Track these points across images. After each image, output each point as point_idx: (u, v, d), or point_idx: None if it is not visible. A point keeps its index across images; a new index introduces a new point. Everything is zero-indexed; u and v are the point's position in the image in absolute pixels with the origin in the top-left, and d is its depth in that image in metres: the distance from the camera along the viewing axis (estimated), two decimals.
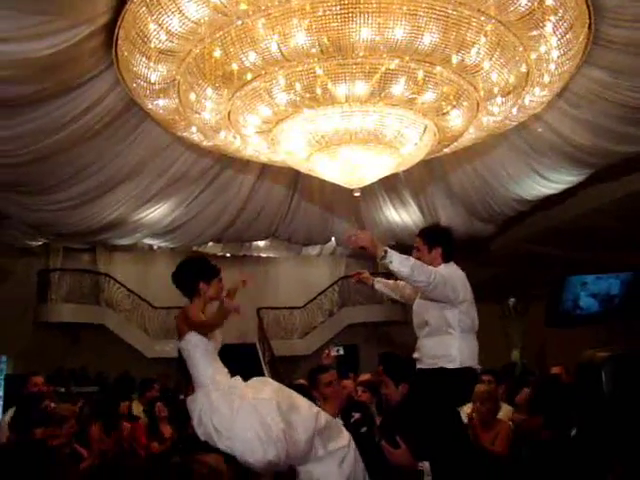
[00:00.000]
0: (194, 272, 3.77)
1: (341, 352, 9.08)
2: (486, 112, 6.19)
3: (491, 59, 5.24)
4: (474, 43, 5.00)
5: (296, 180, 9.27)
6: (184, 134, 6.96)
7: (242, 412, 3.36)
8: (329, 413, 3.84)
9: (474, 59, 5.18)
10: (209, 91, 5.63)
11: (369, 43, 4.86)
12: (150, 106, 6.30)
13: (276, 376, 12.83)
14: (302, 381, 6.19)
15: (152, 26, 4.97)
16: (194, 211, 9.76)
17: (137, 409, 6.92)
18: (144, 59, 5.42)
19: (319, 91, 5.28)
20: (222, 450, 3.21)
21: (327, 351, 6.21)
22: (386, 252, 3.64)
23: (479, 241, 11.32)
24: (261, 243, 14.03)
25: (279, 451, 3.21)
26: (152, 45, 5.18)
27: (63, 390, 11.19)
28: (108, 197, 8.64)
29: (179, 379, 9.06)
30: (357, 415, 4.57)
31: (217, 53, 5.12)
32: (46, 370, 9.45)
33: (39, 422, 4.26)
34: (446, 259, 4.06)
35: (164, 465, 4.68)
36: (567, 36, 5.30)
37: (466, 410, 5.14)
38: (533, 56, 5.50)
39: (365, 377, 6.55)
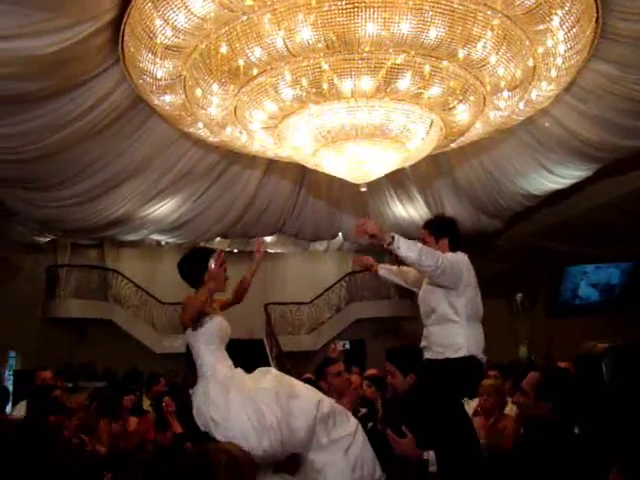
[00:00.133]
0: (201, 261, 3.80)
1: (347, 346, 9.10)
2: (493, 107, 6.18)
3: (497, 53, 5.23)
4: (480, 37, 4.99)
5: (303, 175, 9.27)
6: (190, 130, 6.97)
7: (237, 402, 3.37)
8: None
9: (480, 53, 5.16)
10: (215, 87, 5.64)
11: (375, 38, 4.85)
12: (156, 102, 6.31)
13: (283, 371, 12.85)
14: (309, 375, 6.21)
15: (158, 22, 4.98)
16: (201, 207, 9.77)
17: (146, 404, 6.95)
18: (150, 55, 5.43)
19: (325, 86, 5.28)
20: (219, 441, 3.23)
21: (333, 345, 6.24)
22: (393, 238, 3.67)
23: (486, 236, 11.28)
24: (268, 239, 14.04)
25: (272, 440, 3.17)
26: (158, 41, 5.19)
27: (71, 385, 11.22)
28: (115, 193, 8.67)
29: (187, 374, 9.10)
30: (364, 410, 4.59)
31: (223, 49, 5.12)
32: (54, 365, 9.49)
33: (52, 410, 4.30)
34: (453, 249, 4.07)
35: (177, 454, 4.73)
36: (574, 30, 5.28)
37: (472, 405, 5.15)
38: (540, 50, 5.48)
39: (371, 372, 6.56)
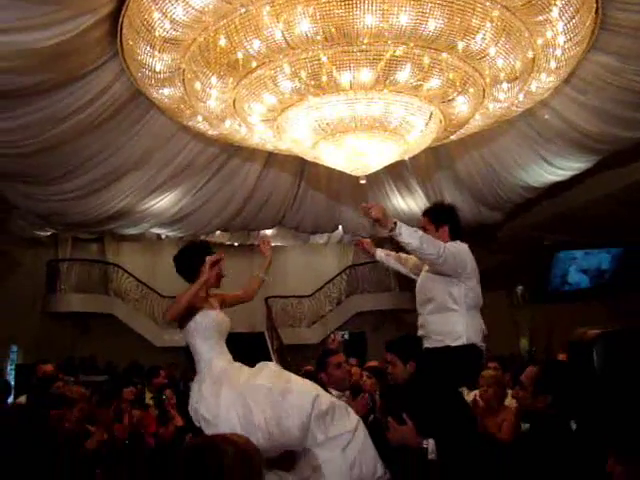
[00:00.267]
0: (196, 255, 3.80)
1: (346, 337, 9.13)
2: (492, 98, 6.16)
3: (497, 45, 5.20)
4: (479, 29, 4.96)
5: (302, 168, 9.26)
6: (190, 123, 6.96)
7: (227, 399, 3.37)
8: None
9: (479, 45, 5.14)
10: (214, 79, 5.62)
11: (374, 30, 4.83)
12: (155, 95, 6.30)
13: (284, 364, 12.89)
14: (310, 367, 6.24)
15: (156, 15, 4.96)
16: (201, 200, 9.77)
17: (148, 397, 6.97)
18: (149, 48, 5.41)
19: (324, 79, 5.27)
20: None
21: (333, 336, 6.26)
22: (395, 224, 3.67)
23: (486, 228, 11.29)
24: (269, 232, 14.05)
25: (259, 439, 3.14)
26: (157, 34, 5.17)
27: (72, 379, 11.27)
28: (114, 187, 8.66)
29: (186, 367, 9.12)
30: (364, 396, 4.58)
31: (222, 42, 5.11)
32: (56, 359, 9.53)
33: (53, 405, 4.31)
34: (453, 237, 4.07)
35: (179, 446, 4.73)
36: (574, 21, 5.25)
37: (472, 396, 5.17)
38: (539, 41, 5.45)
39: (371, 363, 6.58)
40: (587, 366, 3.26)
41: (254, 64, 5.29)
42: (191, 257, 3.81)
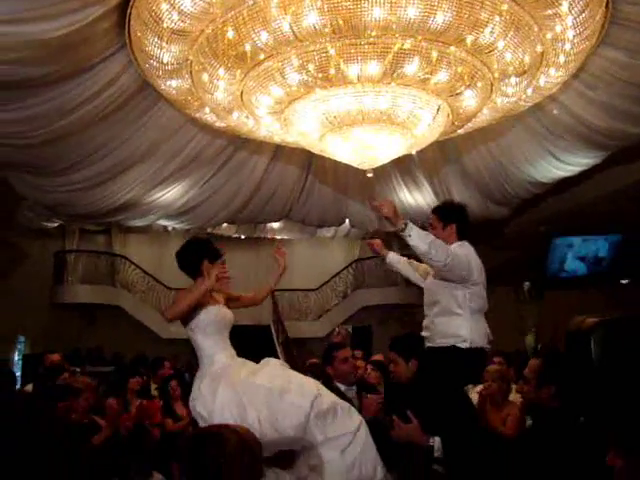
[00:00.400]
0: (198, 251, 3.80)
1: (350, 330, 9.15)
2: (500, 93, 6.13)
3: (505, 39, 5.17)
4: (488, 22, 4.93)
5: (310, 161, 9.25)
6: (197, 115, 6.95)
7: (222, 397, 3.36)
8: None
9: (488, 39, 5.11)
10: (221, 71, 5.61)
11: (381, 22, 4.81)
12: (163, 87, 6.30)
13: (290, 358, 12.93)
14: (315, 360, 6.24)
15: (164, 6, 4.94)
16: (208, 193, 9.77)
17: (153, 388, 7.00)
18: (156, 39, 5.39)
19: (332, 71, 5.26)
20: None
21: (337, 329, 6.27)
22: (406, 225, 3.64)
23: (493, 224, 11.26)
24: (275, 225, 14.07)
25: None
26: (164, 25, 5.15)
27: (79, 370, 11.33)
28: (122, 179, 8.68)
29: (189, 359, 9.15)
30: (375, 396, 4.58)
31: (230, 34, 5.10)
32: (63, 350, 9.56)
33: (60, 396, 4.32)
34: (460, 236, 4.05)
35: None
36: (583, 15, 5.21)
37: (476, 390, 5.17)
38: (548, 36, 5.41)
39: (376, 357, 6.59)
40: (585, 355, 3.25)
41: (262, 56, 5.27)
42: (191, 255, 3.80)
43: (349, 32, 4.92)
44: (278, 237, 15.72)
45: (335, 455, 3.31)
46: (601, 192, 10.01)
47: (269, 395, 3.36)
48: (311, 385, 3.53)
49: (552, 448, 2.97)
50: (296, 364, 6.30)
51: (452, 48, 5.18)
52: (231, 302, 3.93)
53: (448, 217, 4.13)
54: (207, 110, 6.70)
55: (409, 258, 4.64)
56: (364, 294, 17.20)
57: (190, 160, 8.58)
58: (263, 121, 6.47)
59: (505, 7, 4.89)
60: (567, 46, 5.60)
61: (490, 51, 5.29)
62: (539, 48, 5.51)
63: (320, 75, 5.30)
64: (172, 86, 6.23)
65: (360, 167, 6.35)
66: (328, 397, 3.48)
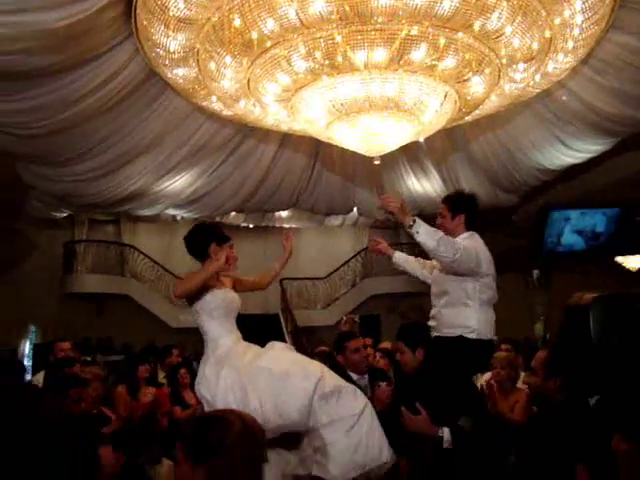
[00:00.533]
0: (206, 234, 3.82)
1: (357, 320, 9.15)
2: (508, 79, 6.10)
3: (513, 24, 5.13)
4: (495, 7, 4.90)
5: (317, 150, 9.24)
6: (204, 103, 6.95)
7: (225, 380, 3.37)
8: None
9: (495, 24, 5.08)
10: (228, 59, 5.60)
11: (388, 8, 4.79)
12: (169, 75, 6.30)
13: (299, 346, 12.95)
14: (324, 348, 6.25)
15: None
16: (215, 181, 9.79)
17: (160, 376, 7.03)
18: (163, 28, 5.39)
19: (339, 58, 5.24)
20: None
21: (344, 318, 6.25)
22: (414, 221, 3.61)
23: (501, 211, 11.21)
24: (283, 214, 14.07)
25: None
26: (171, 13, 5.15)
27: (89, 359, 11.40)
28: (129, 168, 8.70)
29: (197, 348, 9.16)
30: (383, 384, 4.59)
31: (236, 21, 5.08)
32: (73, 340, 9.61)
33: (72, 384, 4.34)
34: (469, 227, 4.04)
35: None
36: None
37: (485, 378, 5.17)
38: (557, 21, 5.37)
39: (385, 345, 6.60)
40: (583, 329, 3.25)
41: (268, 44, 5.26)
42: (199, 238, 3.82)
43: (356, 19, 4.90)
44: (286, 226, 15.72)
45: (340, 436, 3.29)
46: (611, 179, 9.94)
47: (272, 378, 3.36)
48: (315, 367, 3.51)
49: (558, 434, 2.98)
50: (305, 352, 6.31)
51: (459, 34, 5.14)
52: (237, 286, 3.94)
53: (457, 207, 4.10)
54: (214, 99, 6.70)
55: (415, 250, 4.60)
56: (373, 283, 17.18)
57: (197, 149, 8.59)
58: (270, 109, 6.46)
59: None
60: (576, 31, 5.55)
61: (498, 37, 5.26)
62: (547, 33, 5.46)
63: (327, 62, 5.28)
64: (179, 75, 6.23)
65: (367, 154, 6.34)
66: (332, 379, 3.46)
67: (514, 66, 5.80)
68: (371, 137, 5.99)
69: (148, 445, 5.06)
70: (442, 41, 5.13)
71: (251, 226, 15.52)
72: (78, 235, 16.00)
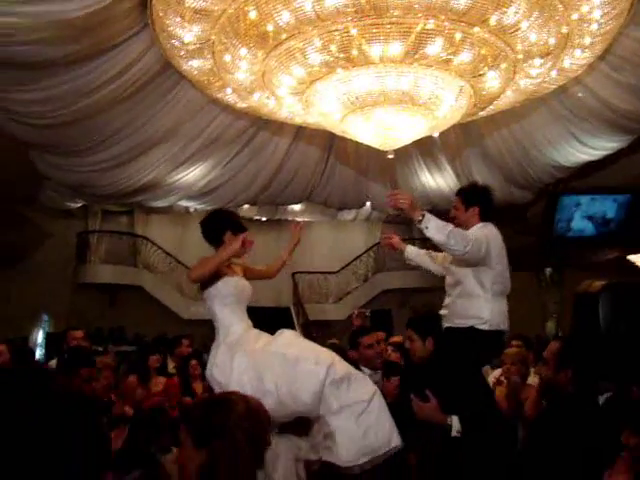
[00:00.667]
0: (222, 221, 3.85)
1: (367, 314, 9.15)
2: (524, 74, 6.06)
3: (530, 19, 5.10)
4: (512, 2, 4.87)
5: (331, 143, 9.23)
6: (219, 95, 6.95)
7: (239, 364, 3.39)
8: None
9: (512, 19, 5.04)
10: (243, 51, 5.60)
11: (404, 2, 4.77)
12: (185, 67, 6.30)
13: (309, 340, 12.96)
14: (334, 341, 6.26)
15: None
16: (229, 173, 9.79)
17: (170, 366, 7.07)
18: (179, 19, 5.40)
19: (354, 52, 5.22)
20: None
21: (355, 312, 6.25)
22: (423, 216, 3.59)
23: (516, 208, 11.15)
24: (296, 207, 14.08)
25: (270, 404, 3.08)
26: (187, 4, 5.16)
27: (101, 349, 11.48)
28: (143, 159, 8.73)
29: (205, 339, 9.19)
30: (396, 379, 4.58)
31: (252, 14, 5.08)
32: (86, 329, 9.68)
33: (83, 363, 4.36)
34: (483, 219, 4.02)
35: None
36: None
37: (495, 374, 5.15)
38: (574, 16, 5.32)
39: (396, 339, 6.59)
40: (592, 317, 3.22)
41: (284, 36, 5.25)
42: (215, 224, 3.85)
43: (371, 12, 4.89)
44: (299, 219, 15.73)
45: (349, 423, 3.31)
46: (627, 177, 9.86)
47: (285, 362, 3.38)
48: (326, 354, 3.52)
49: (568, 429, 2.97)
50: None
51: (475, 29, 5.11)
52: (247, 274, 3.96)
53: (471, 199, 4.09)
54: (229, 91, 6.69)
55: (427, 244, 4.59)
56: (384, 277, 17.18)
57: (211, 141, 8.60)
58: (285, 101, 6.46)
59: None
60: (593, 26, 5.50)
61: (514, 31, 5.22)
62: (564, 29, 5.42)
63: (342, 55, 5.27)
64: (194, 66, 6.24)
65: (381, 148, 6.33)
66: (342, 365, 3.47)
67: (530, 61, 5.76)
68: (385, 131, 5.98)
69: (158, 435, 5.09)
70: (458, 35, 5.10)
71: (264, 219, 15.55)
72: (91, 225, 16.11)
